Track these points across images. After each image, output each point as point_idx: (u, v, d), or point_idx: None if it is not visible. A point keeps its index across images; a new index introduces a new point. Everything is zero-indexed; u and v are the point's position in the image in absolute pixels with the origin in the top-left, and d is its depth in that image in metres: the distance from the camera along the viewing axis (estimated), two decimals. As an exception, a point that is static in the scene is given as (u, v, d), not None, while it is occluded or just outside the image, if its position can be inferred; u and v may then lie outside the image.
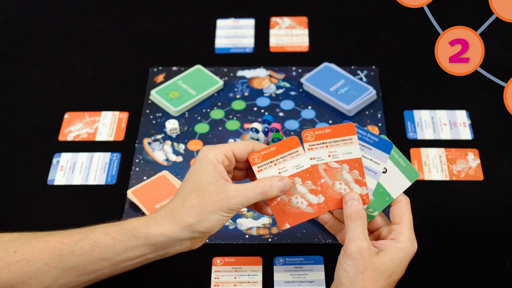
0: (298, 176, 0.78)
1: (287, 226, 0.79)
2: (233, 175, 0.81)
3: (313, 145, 0.78)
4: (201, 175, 0.76)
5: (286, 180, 0.77)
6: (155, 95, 1.10)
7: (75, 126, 1.08)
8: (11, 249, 0.77)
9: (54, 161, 1.03)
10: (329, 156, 0.78)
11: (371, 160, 0.78)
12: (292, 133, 1.05)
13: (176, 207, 0.76)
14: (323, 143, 0.77)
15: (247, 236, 0.93)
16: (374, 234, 0.79)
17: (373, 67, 1.15)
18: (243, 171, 0.81)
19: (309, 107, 1.09)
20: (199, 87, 1.11)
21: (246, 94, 1.12)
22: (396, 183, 0.78)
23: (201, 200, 0.75)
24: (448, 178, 0.99)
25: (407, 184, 0.78)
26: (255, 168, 0.77)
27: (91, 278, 0.78)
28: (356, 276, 0.73)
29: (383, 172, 0.78)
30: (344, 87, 1.09)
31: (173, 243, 0.76)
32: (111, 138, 1.06)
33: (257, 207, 0.81)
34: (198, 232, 0.75)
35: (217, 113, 1.09)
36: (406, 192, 0.78)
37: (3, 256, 0.77)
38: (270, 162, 0.78)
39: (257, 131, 1.02)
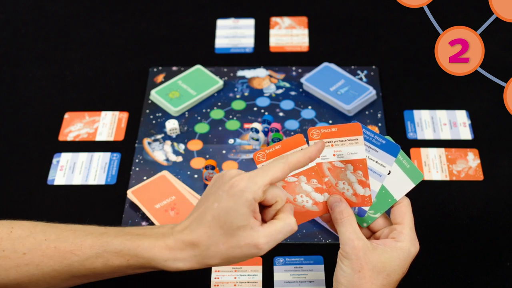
0: (304, 175, 0.77)
1: None
2: None
3: None
4: (234, 216, 0.69)
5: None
6: (155, 95, 1.10)
7: (75, 126, 1.08)
8: (21, 249, 0.75)
9: (54, 161, 1.03)
10: (334, 155, 0.77)
11: (376, 162, 0.78)
12: (292, 133, 1.05)
13: (199, 245, 0.71)
14: (328, 141, 0.77)
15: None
16: (375, 235, 0.79)
17: (373, 67, 1.15)
18: None
19: (309, 107, 1.09)
20: (199, 87, 1.11)
21: (246, 94, 1.12)
22: (400, 185, 0.78)
23: (228, 246, 0.70)
24: (448, 178, 0.99)
25: (411, 186, 0.78)
26: (259, 167, 0.77)
27: (101, 279, 0.77)
28: (353, 275, 0.73)
29: (387, 174, 0.78)
30: (344, 87, 1.09)
31: None
32: (111, 138, 1.06)
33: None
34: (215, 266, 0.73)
35: (217, 113, 1.09)
36: (406, 193, 0.78)
37: (12, 256, 0.75)
38: None
39: (257, 131, 1.02)
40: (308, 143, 0.77)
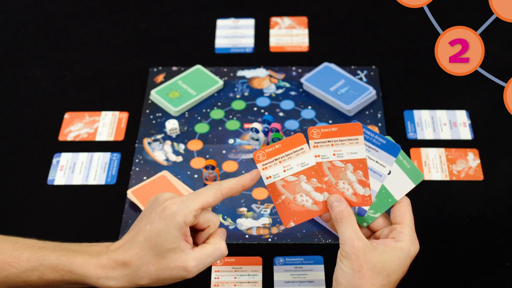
0: (303, 174, 0.77)
1: (292, 224, 0.78)
2: None
3: (318, 142, 0.77)
4: (164, 238, 0.72)
5: (224, 231, 0.77)
6: (155, 95, 1.10)
7: (75, 126, 1.08)
8: None
9: (54, 161, 1.03)
10: (334, 154, 0.77)
11: (377, 162, 0.78)
12: (292, 133, 1.05)
13: (131, 264, 0.73)
14: (328, 141, 0.77)
15: (247, 236, 0.93)
16: (375, 235, 0.79)
17: (373, 67, 1.15)
18: None
19: (309, 107, 1.09)
20: (199, 87, 1.11)
21: (246, 94, 1.12)
22: (400, 185, 0.78)
23: (158, 267, 0.72)
24: (448, 178, 0.99)
25: (411, 186, 0.78)
26: (259, 166, 0.77)
27: None
28: (353, 275, 0.73)
29: (387, 174, 0.78)
30: (344, 87, 1.09)
31: None
32: (111, 138, 1.06)
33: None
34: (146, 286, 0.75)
35: (217, 113, 1.09)
36: (406, 193, 0.78)
37: None
38: (275, 159, 0.77)
39: (257, 131, 1.02)
40: (308, 142, 0.78)
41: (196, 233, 0.77)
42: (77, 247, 0.77)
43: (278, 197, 0.78)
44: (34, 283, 0.76)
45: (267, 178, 0.78)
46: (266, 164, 0.77)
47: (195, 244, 0.76)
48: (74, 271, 0.74)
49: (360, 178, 0.77)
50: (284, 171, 0.78)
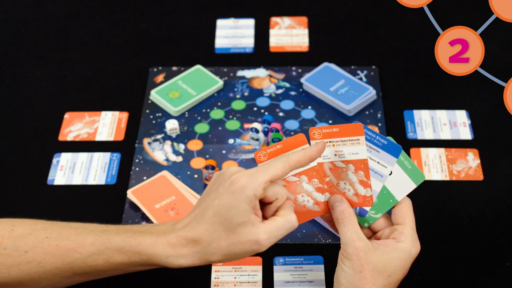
0: (305, 174, 0.77)
1: None
2: None
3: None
4: (234, 213, 0.70)
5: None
6: (155, 95, 1.10)
7: (75, 126, 1.08)
8: (22, 247, 0.75)
9: (54, 161, 1.03)
10: (335, 155, 0.77)
11: (378, 162, 0.78)
12: (292, 133, 1.05)
13: (201, 241, 0.71)
14: (330, 141, 0.77)
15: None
16: (376, 235, 0.79)
17: (373, 67, 1.15)
18: None
19: (309, 107, 1.09)
20: (199, 87, 1.11)
21: (246, 94, 1.12)
22: (401, 185, 0.78)
23: (229, 242, 0.71)
24: (448, 178, 0.99)
25: (412, 186, 0.78)
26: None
27: (103, 277, 0.77)
28: (354, 276, 0.73)
29: (389, 175, 0.78)
30: (344, 87, 1.09)
31: None
32: (111, 138, 1.06)
33: None
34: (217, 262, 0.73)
35: (217, 113, 1.09)
36: (408, 194, 0.78)
37: (14, 254, 0.75)
38: None
39: (257, 131, 1.02)
40: (309, 143, 0.78)
41: (264, 206, 0.74)
42: (141, 228, 0.75)
43: None
44: (100, 268, 0.74)
45: None
46: None
47: (264, 217, 0.74)
48: (142, 251, 0.73)
49: (361, 178, 0.77)
50: None
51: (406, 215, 0.76)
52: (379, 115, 1.07)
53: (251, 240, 0.70)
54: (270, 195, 0.73)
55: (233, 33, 1.23)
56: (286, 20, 1.25)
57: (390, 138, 0.78)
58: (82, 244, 0.74)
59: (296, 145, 0.77)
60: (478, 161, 1.01)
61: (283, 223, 0.72)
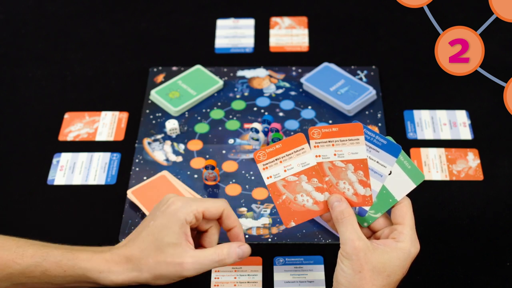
0: (304, 174, 0.78)
1: (293, 224, 0.79)
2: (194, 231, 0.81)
3: (319, 142, 0.78)
4: (164, 233, 0.75)
5: (245, 247, 0.78)
6: (155, 95, 1.10)
7: (75, 126, 1.08)
8: None
9: (54, 161, 1.03)
10: (334, 155, 0.77)
11: (377, 162, 0.78)
12: (292, 133, 1.05)
13: (132, 258, 0.75)
14: (329, 141, 0.77)
15: (247, 236, 0.93)
16: (376, 235, 0.79)
17: (373, 67, 1.15)
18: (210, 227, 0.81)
19: (309, 107, 1.09)
20: (199, 87, 1.11)
21: (246, 94, 1.12)
22: (401, 185, 0.78)
23: (156, 261, 0.74)
24: (448, 178, 0.99)
25: (412, 186, 0.78)
26: (260, 166, 0.77)
27: None
28: (353, 276, 0.73)
29: (388, 175, 0.78)
30: (344, 87, 1.09)
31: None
32: (111, 138, 1.06)
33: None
34: (145, 283, 0.76)
35: (217, 113, 1.09)
36: (407, 193, 0.78)
37: None
38: (276, 159, 0.78)
39: (257, 131, 1.02)
40: (309, 142, 0.78)
41: (201, 235, 0.80)
42: (81, 246, 0.79)
43: (278, 197, 0.78)
44: (36, 279, 0.77)
45: (267, 178, 0.78)
46: (267, 164, 0.77)
47: (203, 246, 0.79)
48: (77, 265, 0.76)
49: (360, 178, 0.77)
50: (285, 171, 0.78)
51: (405, 214, 0.76)
52: (379, 115, 1.07)
53: (176, 262, 0.74)
54: (204, 225, 0.78)
55: (233, 33, 1.23)
56: (286, 20, 1.25)
57: (389, 138, 0.78)
58: (22, 256, 0.77)
59: (296, 144, 0.77)
60: (478, 161, 1.01)
61: (211, 253, 0.75)
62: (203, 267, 0.75)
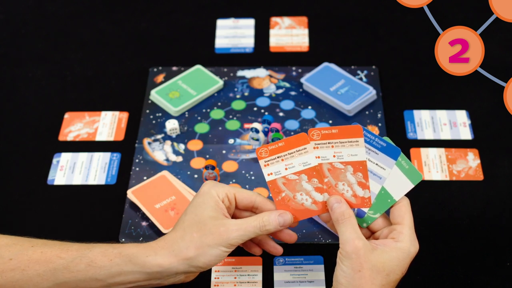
0: (305, 173, 0.78)
1: None
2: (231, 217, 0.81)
3: (319, 144, 0.78)
4: (203, 208, 0.77)
5: (287, 215, 0.78)
6: (155, 95, 1.10)
7: (75, 126, 1.08)
8: (7, 255, 0.77)
9: (54, 161, 1.03)
10: (334, 156, 0.78)
11: (376, 164, 0.78)
12: (292, 133, 1.05)
13: (176, 239, 0.76)
14: (329, 143, 0.77)
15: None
16: (375, 235, 0.79)
17: (373, 67, 1.15)
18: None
19: (309, 107, 1.09)
20: (199, 87, 1.11)
21: (246, 94, 1.12)
22: (399, 185, 0.78)
23: (201, 234, 0.75)
24: (448, 178, 0.99)
25: (410, 186, 0.78)
26: (261, 163, 0.78)
27: None
28: (353, 275, 0.73)
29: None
30: (344, 87, 1.09)
31: (168, 275, 0.77)
32: (111, 138, 1.06)
33: (246, 245, 0.83)
34: (195, 267, 0.76)
35: (217, 113, 1.09)
36: (406, 193, 0.78)
37: None
38: (278, 157, 0.78)
39: (257, 131, 1.02)
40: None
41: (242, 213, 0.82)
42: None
43: (278, 194, 0.78)
44: (81, 275, 0.76)
45: (268, 174, 0.78)
46: (268, 161, 0.78)
47: None
48: (123, 252, 0.76)
49: (360, 180, 0.77)
50: (286, 169, 0.78)
51: (404, 214, 0.76)
52: (379, 115, 1.07)
53: (220, 230, 0.75)
54: (239, 199, 0.80)
55: (233, 33, 1.23)
56: (286, 20, 1.25)
57: (386, 138, 0.78)
58: (67, 250, 0.77)
59: (298, 143, 0.77)
60: (478, 161, 1.01)
61: (254, 220, 0.77)
62: (247, 233, 0.76)
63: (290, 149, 0.78)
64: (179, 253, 0.75)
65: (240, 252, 0.91)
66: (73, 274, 0.76)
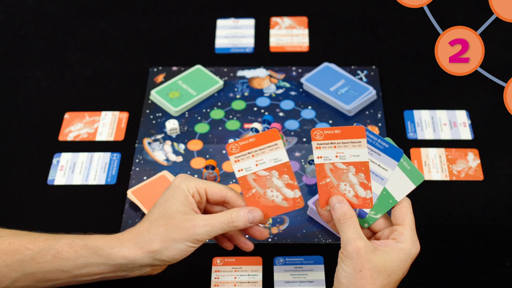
0: (276, 170, 0.78)
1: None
2: (202, 213, 0.81)
3: (321, 144, 0.77)
4: (172, 202, 0.77)
5: (257, 212, 0.78)
6: (155, 95, 1.10)
7: (75, 126, 1.08)
8: None
9: (54, 161, 1.03)
10: (336, 156, 0.77)
11: (379, 165, 0.78)
12: (292, 133, 1.05)
13: (142, 231, 0.76)
14: (331, 143, 0.77)
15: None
16: (376, 235, 0.79)
17: (373, 67, 1.15)
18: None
19: (309, 107, 1.09)
20: (199, 87, 1.11)
21: (246, 94, 1.12)
22: (400, 186, 0.78)
23: (167, 227, 0.75)
24: (448, 178, 0.99)
25: (412, 187, 0.78)
26: (232, 158, 0.77)
27: (48, 286, 0.78)
28: (354, 275, 0.73)
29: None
30: (344, 87, 1.09)
31: (133, 267, 0.77)
32: (111, 138, 1.06)
33: (218, 240, 0.83)
34: (159, 260, 0.76)
35: (217, 113, 1.09)
36: (407, 194, 0.78)
37: None
38: (248, 153, 0.77)
39: (257, 131, 1.02)
40: (311, 143, 0.78)
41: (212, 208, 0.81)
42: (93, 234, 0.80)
43: (248, 191, 0.78)
44: (48, 266, 0.76)
45: (238, 170, 0.78)
46: (239, 157, 0.78)
47: None
48: (89, 244, 0.76)
49: (361, 180, 0.77)
50: (257, 165, 0.78)
51: (405, 215, 0.76)
52: (379, 115, 1.07)
53: (187, 225, 0.75)
54: (210, 194, 0.79)
55: (233, 33, 1.23)
56: (286, 20, 1.25)
57: (388, 139, 0.78)
58: (34, 241, 0.77)
59: (269, 139, 0.77)
60: (478, 161, 1.01)
61: (222, 216, 0.76)
62: (214, 229, 0.76)
63: (261, 145, 0.77)
64: (144, 246, 0.75)
65: (240, 252, 0.91)
66: (39, 265, 0.76)
